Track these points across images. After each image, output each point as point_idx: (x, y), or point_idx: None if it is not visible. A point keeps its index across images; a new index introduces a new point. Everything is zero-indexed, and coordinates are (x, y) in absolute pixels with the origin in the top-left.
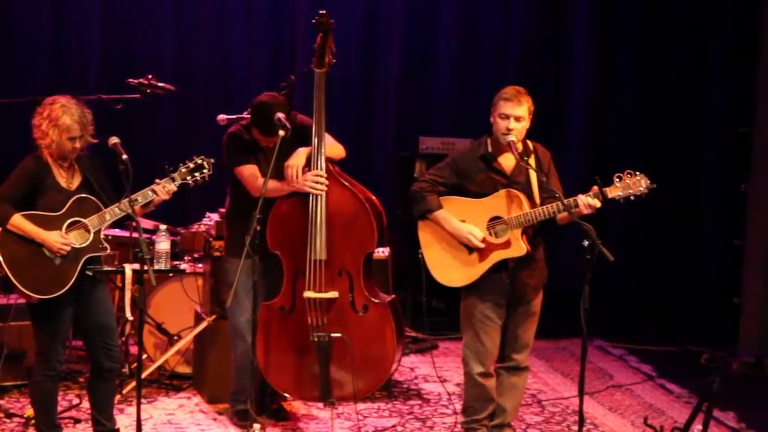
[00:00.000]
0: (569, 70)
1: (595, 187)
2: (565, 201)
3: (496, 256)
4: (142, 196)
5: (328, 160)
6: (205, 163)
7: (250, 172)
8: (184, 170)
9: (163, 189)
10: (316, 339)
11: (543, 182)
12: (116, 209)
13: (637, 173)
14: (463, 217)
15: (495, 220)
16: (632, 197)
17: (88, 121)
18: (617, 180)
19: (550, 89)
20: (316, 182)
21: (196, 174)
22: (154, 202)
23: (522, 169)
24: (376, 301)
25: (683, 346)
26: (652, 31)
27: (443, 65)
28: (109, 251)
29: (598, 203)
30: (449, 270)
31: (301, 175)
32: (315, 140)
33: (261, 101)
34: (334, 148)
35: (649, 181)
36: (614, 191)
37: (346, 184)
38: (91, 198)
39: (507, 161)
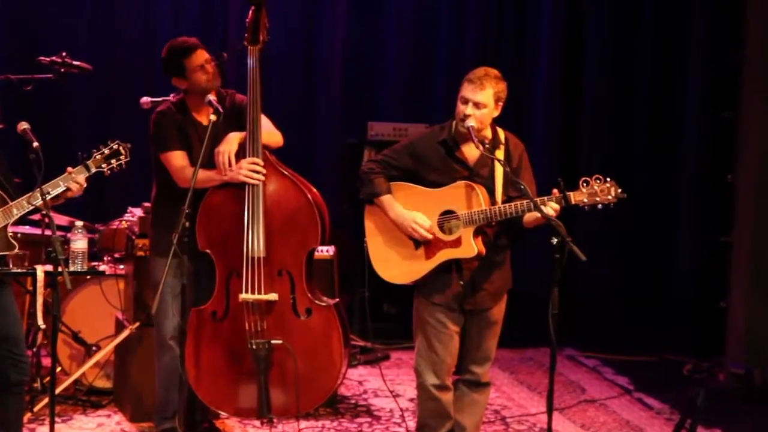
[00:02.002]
0: (533, 50)
1: (556, 191)
2: (534, 199)
3: (443, 255)
4: (53, 187)
5: (265, 147)
6: (121, 148)
7: (177, 159)
8: (99, 157)
9: (76, 179)
10: (254, 347)
11: (508, 174)
12: (24, 203)
13: (608, 180)
14: (413, 207)
15: (447, 214)
16: (599, 206)
17: None
18: (584, 185)
19: (512, 71)
20: (253, 170)
21: (112, 161)
22: (66, 194)
23: (487, 161)
24: (321, 303)
25: (663, 356)
26: (625, 6)
27: (393, 42)
28: (17, 250)
29: (557, 207)
30: (391, 264)
31: (234, 163)
32: (250, 124)
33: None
34: (271, 134)
35: (619, 190)
36: (578, 197)
37: (286, 173)
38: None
39: (471, 151)
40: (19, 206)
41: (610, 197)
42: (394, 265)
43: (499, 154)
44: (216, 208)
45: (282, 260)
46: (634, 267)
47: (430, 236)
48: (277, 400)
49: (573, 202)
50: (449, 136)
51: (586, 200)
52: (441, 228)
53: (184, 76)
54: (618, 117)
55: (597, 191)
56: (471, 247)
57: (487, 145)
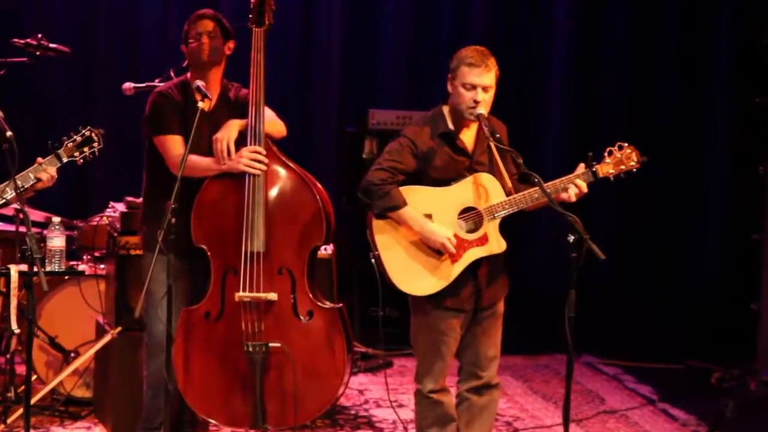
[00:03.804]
0: (546, 28)
1: (583, 165)
2: (556, 183)
3: (471, 255)
4: (23, 179)
5: (267, 137)
6: (93, 134)
7: (174, 144)
8: (70, 145)
9: (47, 170)
10: (250, 350)
11: (520, 165)
12: None
13: (626, 145)
14: (429, 210)
15: (467, 211)
16: (623, 174)
17: None
18: (608, 155)
19: (524, 51)
20: (254, 159)
21: (84, 149)
22: (35, 186)
23: (484, 146)
24: (323, 306)
25: (689, 363)
26: None
27: (394, 24)
28: None
29: (584, 188)
30: (417, 275)
31: (233, 151)
32: (252, 109)
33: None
34: (273, 123)
35: (639, 153)
36: (606, 168)
37: (290, 164)
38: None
39: (467, 138)
40: None
41: (633, 163)
42: (420, 276)
43: None
44: (214, 199)
45: (283, 257)
46: (658, 267)
47: (455, 252)
48: (273, 410)
49: (601, 176)
50: (448, 128)
51: (612, 171)
52: (461, 228)
53: (186, 42)
54: (639, 103)
55: (622, 158)
56: (500, 241)
57: (498, 135)
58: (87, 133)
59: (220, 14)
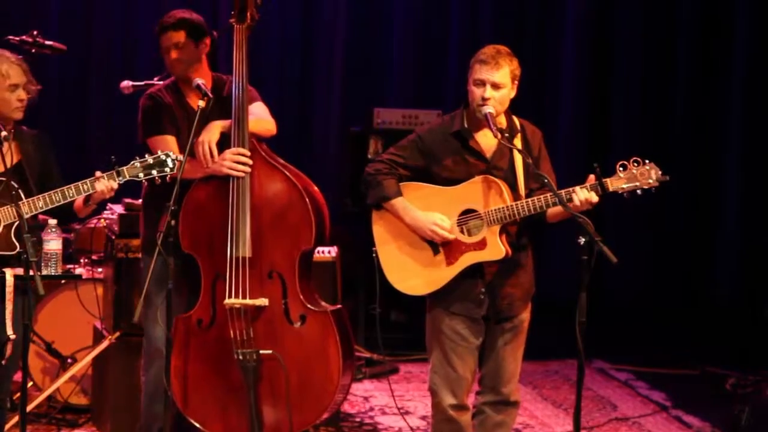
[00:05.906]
0: (558, 25)
1: (592, 177)
2: (561, 193)
3: (467, 259)
4: (77, 190)
5: (254, 136)
6: (169, 159)
7: (166, 145)
8: (138, 165)
9: (101, 185)
10: (240, 357)
11: (530, 165)
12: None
13: (646, 162)
14: (429, 207)
15: (468, 213)
16: (639, 191)
17: (26, 67)
18: (621, 169)
19: (534, 51)
20: (237, 162)
21: (153, 171)
22: (94, 198)
23: (505, 151)
24: (316, 309)
25: (704, 369)
26: None
27: (401, 19)
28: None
29: (595, 197)
30: (409, 274)
31: (216, 154)
32: (235, 109)
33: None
34: (260, 121)
35: (660, 173)
36: (617, 183)
37: (277, 164)
38: (12, 185)
39: (487, 141)
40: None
41: (650, 181)
42: (412, 275)
43: (517, 142)
44: (199, 204)
45: (272, 261)
46: (671, 270)
47: (452, 237)
48: (268, 418)
49: (611, 190)
50: (462, 127)
51: (625, 186)
52: (461, 229)
53: (161, 53)
54: (653, 101)
55: (636, 175)
56: (499, 248)
57: (506, 134)
58: (163, 157)
59: (187, 12)
